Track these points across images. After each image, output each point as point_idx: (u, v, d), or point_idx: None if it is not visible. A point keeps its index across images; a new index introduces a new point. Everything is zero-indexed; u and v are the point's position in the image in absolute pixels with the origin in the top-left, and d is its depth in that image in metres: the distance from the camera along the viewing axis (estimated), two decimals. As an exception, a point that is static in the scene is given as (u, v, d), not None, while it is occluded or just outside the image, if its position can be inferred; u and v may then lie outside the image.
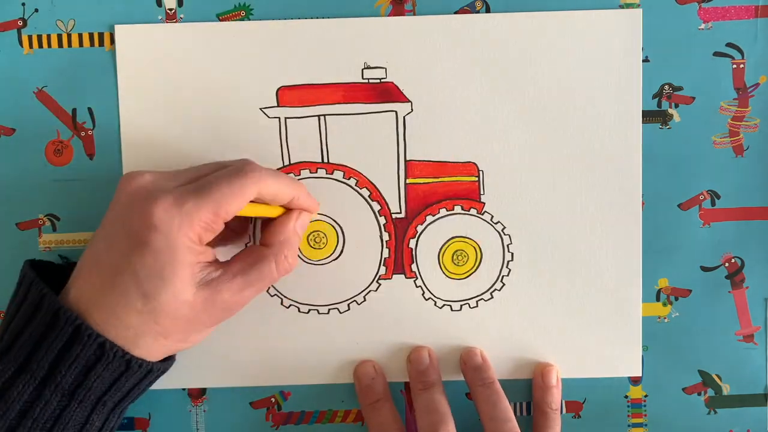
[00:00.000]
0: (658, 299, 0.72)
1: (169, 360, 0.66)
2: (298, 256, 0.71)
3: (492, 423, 0.67)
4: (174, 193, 0.58)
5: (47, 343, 0.57)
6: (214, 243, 0.64)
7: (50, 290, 0.59)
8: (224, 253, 0.67)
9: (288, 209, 0.66)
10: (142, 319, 0.58)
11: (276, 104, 0.70)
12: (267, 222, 0.66)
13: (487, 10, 0.70)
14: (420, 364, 0.70)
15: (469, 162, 0.70)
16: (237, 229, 0.69)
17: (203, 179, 0.60)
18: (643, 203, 0.71)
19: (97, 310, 0.58)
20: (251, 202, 0.61)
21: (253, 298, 0.63)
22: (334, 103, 0.70)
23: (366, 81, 0.70)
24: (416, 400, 0.69)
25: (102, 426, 0.62)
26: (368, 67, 0.69)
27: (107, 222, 0.61)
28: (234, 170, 0.60)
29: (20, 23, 0.70)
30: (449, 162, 0.70)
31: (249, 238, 0.70)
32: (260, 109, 0.70)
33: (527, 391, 0.72)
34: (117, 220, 0.59)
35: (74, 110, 0.70)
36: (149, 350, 0.60)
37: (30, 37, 0.70)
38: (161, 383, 0.69)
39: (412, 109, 0.70)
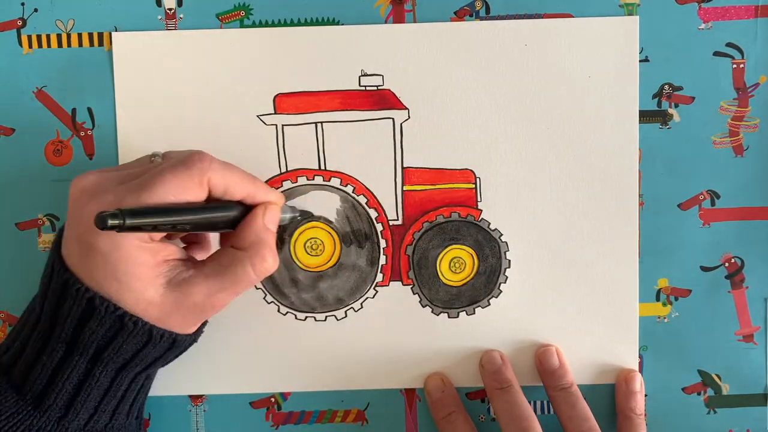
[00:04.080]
0: (657, 299, 0.72)
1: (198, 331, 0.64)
2: (295, 263, 0.71)
3: (571, 422, 0.68)
4: (115, 191, 0.56)
5: (64, 313, 0.58)
6: (187, 237, 0.64)
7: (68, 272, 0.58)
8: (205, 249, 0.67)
9: (253, 206, 0.62)
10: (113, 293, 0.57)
11: (273, 111, 0.70)
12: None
13: (487, 10, 0.69)
14: (493, 365, 0.70)
15: (466, 169, 0.70)
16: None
17: (148, 173, 0.57)
18: (642, 203, 0.70)
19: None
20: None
21: (233, 300, 0.61)
22: (332, 110, 0.70)
23: (363, 88, 0.70)
24: (496, 404, 0.69)
25: (127, 389, 0.62)
26: (365, 75, 0.69)
27: (64, 228, 0.60)
28: (179, 162, 0.58)
29: (20, 23, 0.70)
30: (446, 169, 0.70)
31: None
32: (257, 116, 0.70)
33: (528, 394, 0.71)
34: (69, 226, 0.58)
35: (74, 110, 0.70)
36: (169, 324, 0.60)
37: (29, 37, 0.70)
38: (159, 390, 0.70)
39: (409, 116, 0.70)
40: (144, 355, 0.60)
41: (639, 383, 0.71)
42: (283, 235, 0.70)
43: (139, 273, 0.56)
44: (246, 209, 0.62)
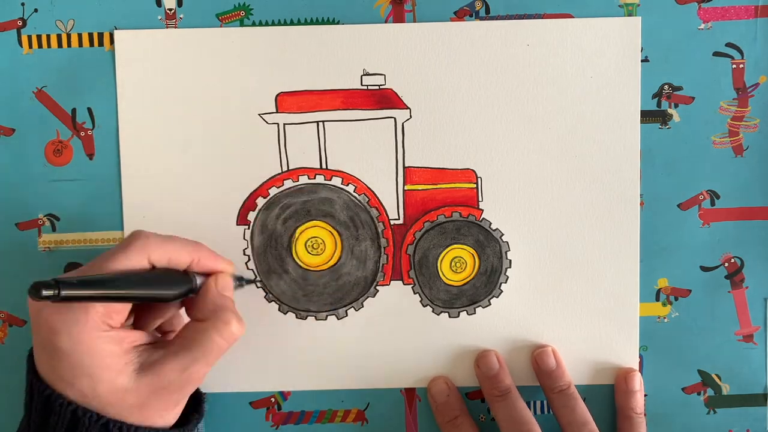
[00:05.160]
0: (657, 299, 0.72)
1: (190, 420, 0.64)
2: (296, 262, 0.71)
3: (571, 427, 0.68)
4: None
5: (52, 427, 0.57)
6: (152, 319, 0.63)
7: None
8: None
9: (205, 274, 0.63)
10: (87, 398, 0.57)
11: (275, 110, 0.70)
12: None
13: (487, 10, 0.69)
14: (490, 369, 0.70)
15: (468, 169, 0.70)
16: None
17: (87, 264, 0.59)
18: (642, 203, 0.71)
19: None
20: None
21: (209, 369, 0.60)
22: (333, 110, 0.70)
23: (365, 87, 0.70)
24: (496, 410, 0.69)
25: None
26: (367, 74, 0.69)
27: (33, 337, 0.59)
28: (119, 245, 0.59)
29: (20, 23, 0.70)
30: (448, 168, 0.70)
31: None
32: (259, 115, 0.70)
33: (528, 394, 0.72)
34: (34, 335, 0.58)
35: (74, 110, 0.70)
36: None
37: (29, 37, 0.70)
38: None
39: (411, 116, 0.70)
40: None
41: (638, 382, 0.71)
42: (286, 235, 0.71)
43: (106, 363, 0.56)
44: (192, 280, 0.62)
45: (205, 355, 0.59)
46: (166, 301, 0.61)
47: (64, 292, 0.51)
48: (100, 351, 0.55)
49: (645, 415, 0.71)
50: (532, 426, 0.67)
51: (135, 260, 0.58)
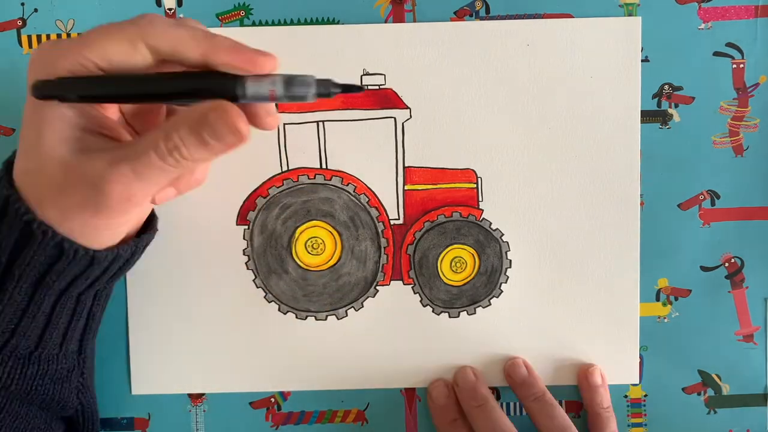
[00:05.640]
0: (657, 299, 0.72)
1: (123, 247, 0.58)
2: (296, 262, 0.71)
3: None
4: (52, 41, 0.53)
5: None
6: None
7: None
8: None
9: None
10: (31, 182, 0.54)
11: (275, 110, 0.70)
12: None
13: (487, 10, 0.69)
14: (467, 382, 0.70)
15: (468, 168, 0.70)
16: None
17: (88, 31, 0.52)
18: (642, 203, 0.70)
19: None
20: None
21: (144, 196, 0.53)
22: (333, 109, 0.70)
23: (365, 87, 0.69)
24: (474, 419, 0.69)
25: (52, 312, 0.58)
26: (367, 74, 0.69)
27: None
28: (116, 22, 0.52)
29: (20, 23, 0.70)
30: (448, 168, 0.70)
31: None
32: (259, 114, 0.70)
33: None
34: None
35: (74, 110, 0.70)
36: (83, 233, 0.54)
37: (29, 37, 0.70)
38: (160, 389, 0.70)
39: (410, 116, 0.70)
40: (59, 270, 0.55)
41: (599, 376, 0.71)
42: (287, 223, 0.71)
43: (51, 121, 0.52)
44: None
45: (135, 156, 0.51)
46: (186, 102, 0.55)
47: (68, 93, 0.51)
48: (56, 112, 0.52)
49: (644, 413, 0.71)
50: None
51: (126, 35, 0.51)
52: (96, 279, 0.59)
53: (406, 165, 0.70)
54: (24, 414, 0.60)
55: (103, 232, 0.55)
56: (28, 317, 0.57)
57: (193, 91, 0.51)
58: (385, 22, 0.69)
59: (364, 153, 0.70)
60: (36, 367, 0.59)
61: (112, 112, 0.57)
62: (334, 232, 0.71)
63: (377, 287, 0.71)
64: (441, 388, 0.71)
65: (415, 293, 0.71)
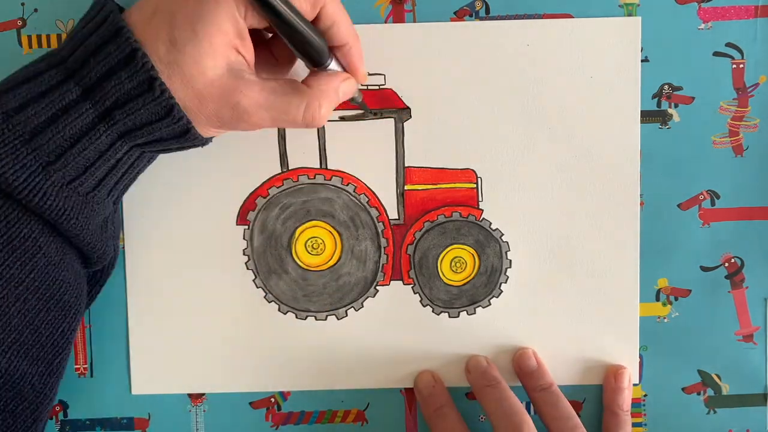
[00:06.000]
0: (657, 299, 0.72)
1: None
2: (296, 262, 0.71)
3: (555, 422, 0.67)
4: None
5: (101, 57, 0.54)
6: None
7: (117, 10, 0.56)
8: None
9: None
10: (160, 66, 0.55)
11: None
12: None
13: (487, 10, 0.69)
14: (479, 367, 0.70)
15: (468, 169, 0.70)
16: (282, 61, 0.65)
17: None
18: (642, 203, 0.70)
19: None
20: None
21: (267, 128, 0.61)
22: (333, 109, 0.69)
23: (365, 87, 0.69)
24: (484, 399, 0.69)
25: (119, 160, 0.58)
26: (367, 74, 0.69)
27: None
28: None
29: (20, 23, 0.70)
30: (448, 168, 0.70)
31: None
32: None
33: (522, 395, 0.71)
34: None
35: (74, 111, 0.70)
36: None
37: (29, 37, 0.70)
38: (160, 389, 0.70)
39: (411, 116, 0.70)
40: (152, 130, 0.57)
41: (627, 380, 0.71)
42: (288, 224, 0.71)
43: (215, 37, 0.54)
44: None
45: (284, 111, 0.58)
46: (302, 57, 0.60)
47: None
48: (221, 22, 0.54)
49: (646, 415, 0.71)
50: (523, 416, 0.66)
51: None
52: (169, 147, 0.60)
53: (406, 165, 0.70)
54: (68, 262, 0.61)
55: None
56: (103, 160, 0.57)
57: (308, 47, 0.59)
58: (385, 22, 0.69)
59: (364, 153, 0.70)
60: (91, 208, 0.59)
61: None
62: (334, 232, 0.71)
63: (377, 287, 0.71)
64: (427, 379, 0.71)
65: (415, 293, 0.71)
